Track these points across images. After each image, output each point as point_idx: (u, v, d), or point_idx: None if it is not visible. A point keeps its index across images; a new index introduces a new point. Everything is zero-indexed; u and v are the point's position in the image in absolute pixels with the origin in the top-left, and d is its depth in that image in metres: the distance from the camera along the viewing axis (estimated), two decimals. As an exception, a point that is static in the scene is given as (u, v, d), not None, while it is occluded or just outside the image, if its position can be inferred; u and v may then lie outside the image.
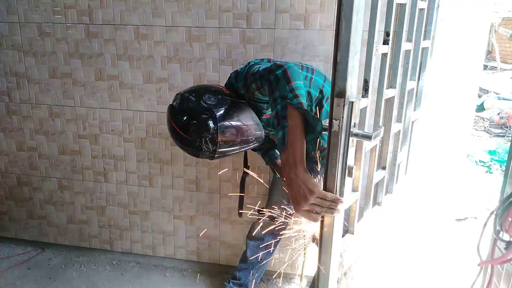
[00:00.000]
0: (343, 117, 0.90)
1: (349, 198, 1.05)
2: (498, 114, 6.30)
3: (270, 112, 1.54)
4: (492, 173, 4.47)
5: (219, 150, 1.35)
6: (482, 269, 1.39)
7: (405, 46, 1.31)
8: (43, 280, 2.33)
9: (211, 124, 1.32)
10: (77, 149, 2.35)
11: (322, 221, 1.01)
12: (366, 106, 1.06)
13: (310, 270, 2.12)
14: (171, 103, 1.42)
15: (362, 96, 1.04)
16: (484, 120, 6.56)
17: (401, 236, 2.13)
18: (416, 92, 1.53)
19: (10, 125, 2.38)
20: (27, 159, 2.43)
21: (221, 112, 1.35)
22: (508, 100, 6.71)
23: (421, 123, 1.65)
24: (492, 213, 1.28)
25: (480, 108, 6.77)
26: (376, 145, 1.19)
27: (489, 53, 11.23)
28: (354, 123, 0.94)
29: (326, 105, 1.53)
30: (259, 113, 1.51)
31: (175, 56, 2.06)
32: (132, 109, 2.20)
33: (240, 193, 1.87)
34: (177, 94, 1.43)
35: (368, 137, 0.93)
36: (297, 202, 1.02)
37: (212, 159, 1.40)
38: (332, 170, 0.95)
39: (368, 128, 1.04)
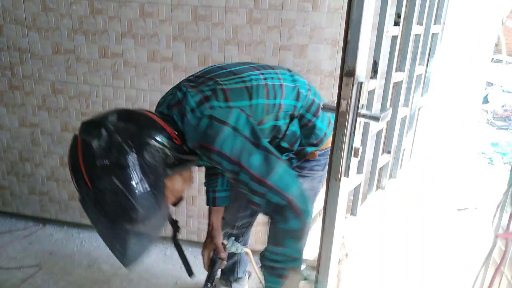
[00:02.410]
0: (351, 97, 0.89)
1: (353, 180, 1.05)
2: (502, 106, 6.27)
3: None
4: (494, 164, 4.47)
5: None
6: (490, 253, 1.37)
7: (416, 29, 1.29)
8: (44, 255, 2.35)
9: (126, 202, 1.01)
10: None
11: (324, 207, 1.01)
12: (374, 89, 1.04)
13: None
14: (84, 135, 1.01)
15: (371, 78, 1.03)
16: (487, 113, 6.52)
17: (403, 221, 2.14)
18: (424, 77, 1.51)
19: (12, 100, 2.36)
20: (29, 135, 2.43)
21: (150, 197, 1.03)
22: (512, 93, 6.67)
23: (428, 109, 1.64)
24: (509, 187, 1.23)
25: (484, 100, 6.73)
26: (382, 128, 1.18)
27: (496, 45, 11.11)
28: (362, 105, 0.93)
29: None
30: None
31: (180, 35, 2.03)
32: (135, 87, 2.18)
33: (179, 253, 1.47)
34: (99, 125, 0.99)
35: (376, 119, 0.92)
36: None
37: None
38: (337, 151, 0.94)
39: (375, 112, 1.03)
